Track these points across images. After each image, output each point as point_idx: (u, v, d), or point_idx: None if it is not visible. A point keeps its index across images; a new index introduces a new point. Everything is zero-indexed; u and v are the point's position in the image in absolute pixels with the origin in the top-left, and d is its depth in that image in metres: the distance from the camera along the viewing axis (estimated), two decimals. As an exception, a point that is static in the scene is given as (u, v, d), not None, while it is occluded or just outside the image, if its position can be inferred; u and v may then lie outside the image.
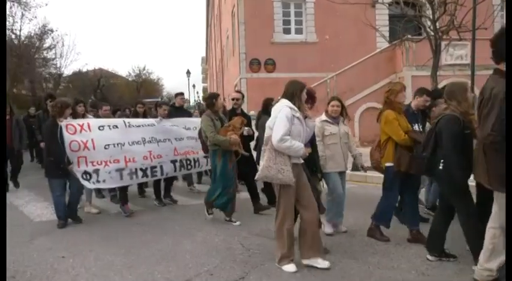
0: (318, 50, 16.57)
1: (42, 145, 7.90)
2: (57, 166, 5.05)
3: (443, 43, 9.61)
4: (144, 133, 5.78)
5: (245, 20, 16.49)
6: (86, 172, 5.20)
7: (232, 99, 6.01)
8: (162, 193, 6.41)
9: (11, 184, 7.81)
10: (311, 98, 4.04)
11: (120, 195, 5.82)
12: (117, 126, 5.59)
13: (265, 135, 3.65)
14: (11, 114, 7.68)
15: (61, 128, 5.07)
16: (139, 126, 5.83)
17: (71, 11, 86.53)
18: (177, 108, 7.02)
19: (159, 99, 25.06)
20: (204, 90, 58.54)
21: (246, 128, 5.49)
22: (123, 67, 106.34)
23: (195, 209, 5.94)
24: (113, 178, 5.40)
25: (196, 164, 6.35)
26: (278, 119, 3.49)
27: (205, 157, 6.12)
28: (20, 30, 20.07)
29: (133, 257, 4.03)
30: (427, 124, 4.74)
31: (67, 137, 5.09)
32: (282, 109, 3.52)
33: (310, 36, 16.91)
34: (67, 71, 26.35)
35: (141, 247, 4.34)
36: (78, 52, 39.54)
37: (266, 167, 3.46)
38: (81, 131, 5.24)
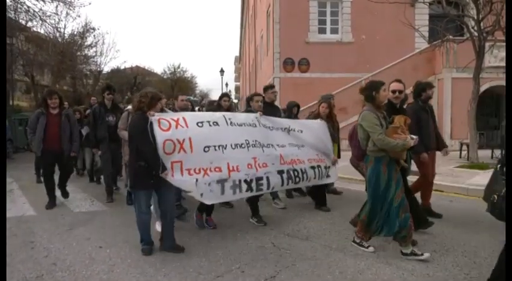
0: (354, 50, 16.31)
1: (94, 151, 7.06)
2: (149, 173, 3.88)
3: (487, 44, 9.22)
4: (246, 134, 4.67)
5: (280, 19, 16.46)
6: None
7: (393, 91, 4.47)
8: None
9: (58, 193, 6.51)
10: None
11: (200, 205, 4.84)
12: (217, 124, 4.44)
13: None
14: (60, 108, 6.14)
15: (152, 123, 3.92)
16: (241, 124, 4.69)
17: (112, 10, 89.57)
18: (267, 104, 5.82)
19: (191, 97, 25.44)
20: (237, 89, 58.97)
21: (414, 136, 3.99)
22: (158, 65, 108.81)
23: (227, 209, 6.00)
24: (213, 191, 4.17)
25: (305, 176, 5.15)
26: None
27: (312, 167, 5.27)
28: (64, 29, 20.95)
29: (167, 251, 4.12)
30: None
31: (160, 134, 3.91)
32: None
33: (345, 36, 16.66)
34: (106, 68, 27.33)
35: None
36: (117, 50, 40.83)
37: None
38: (176, 127, 4.04)
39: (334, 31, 16.95)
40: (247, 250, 4.15)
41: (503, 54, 12.69)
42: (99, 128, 6.49)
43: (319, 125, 5.72)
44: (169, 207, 4.14)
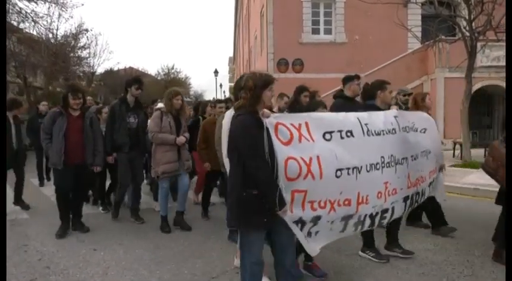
0: (347, 51, 16.36)
1: (110, 159, 5.27)
2: (263, 206, 2.54)
3: (479, 44, 9.30)
4: (384, 147, 3.30)
5: (274, 20, 16.48)
6: (300, 221, 2.75)
7: None
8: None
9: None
10: None
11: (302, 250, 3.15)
12: (351, 134, 3.07)
13: None
14: (82, 109, 4.78)
15: (267, 129, 2.55)
16: (379, 133, 3.31)
17: (105, 11, 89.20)
18: (347, 100, 4.58)
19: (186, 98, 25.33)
20: (231, 89, 58.95)
21: None
22: (152, 66, 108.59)
23: (221, 209, 6.00)
24: (333, 230, 3.03)
25: (421, 198, 3.92)
26: None
27: (429, 183, 4.02)
28: (57, 30, 20.83)
29: (162, 253, 4.12)
30: None
31: (281, 149, 2.59)
32: None
33: (339, 37, 16.71)
34: (100, 69, 27.21)
35: (170, 243, 4.43)
36: (110, 51, 40.67)
37: None
38: (300, 140, 2.73)
39: (328, 32, 17.00)
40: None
41: (495, 53, 12.83)
42: (117, 130, 5.14)
43: (431, 119, 4.19)
44: (291, 261, 2.77)
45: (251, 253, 2.69)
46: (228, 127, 2.85)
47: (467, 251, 4.04)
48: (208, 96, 46.73)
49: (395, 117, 3.51)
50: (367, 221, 3.23)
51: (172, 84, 42.79)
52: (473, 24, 8.79)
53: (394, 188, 3.37)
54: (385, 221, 3.44)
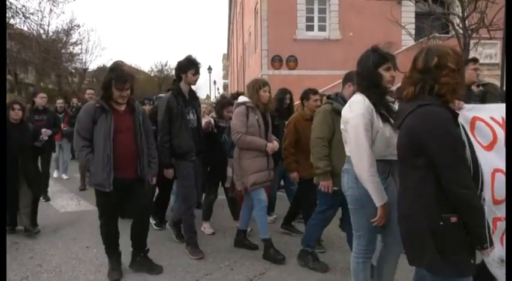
0: (341, 47, 16.38)
1: (170, 173, 3.90)
2: (465, 242, 1.79)
3: (472, 42, 9.36)
4: None
5: (268, 16, 16.46)
6: (501, 262, 2.08)
7: None
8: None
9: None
10: None
11: None
12: None
13: None
14: (129, 102, 3.39)
15: (463, 126, 1.91)
16: None
17: (97, 7, 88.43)
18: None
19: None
20: (225, 86, 58.85)
21: None
22: (145, 63, 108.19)
23: (216, 204, 5.96)
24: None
25: None
26: None
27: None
28: (48, 25, 20.61)
29: (155, 250, 4.07)
30: None
31: (484, 156, 1.90)
32: None
33: (333, 33, 16.73)
34: (92, 66, 26.97)
35: (163, 240, 4.40)
36: (103, 47, 40.36)
37: None
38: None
39: (322, 28, 17.02)
40: (237, 247, 4.14)
41: (487, 51, 12.95)
42: (177, 133, 3.79)
43: None
44: None
45: None
46: (366, 121, 2.25)
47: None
48: (202, 93, 46.53)
49: None
50: None
51: (166, 81, 42.66)
52: (466, 21, 8.84)
53: None
54: None
